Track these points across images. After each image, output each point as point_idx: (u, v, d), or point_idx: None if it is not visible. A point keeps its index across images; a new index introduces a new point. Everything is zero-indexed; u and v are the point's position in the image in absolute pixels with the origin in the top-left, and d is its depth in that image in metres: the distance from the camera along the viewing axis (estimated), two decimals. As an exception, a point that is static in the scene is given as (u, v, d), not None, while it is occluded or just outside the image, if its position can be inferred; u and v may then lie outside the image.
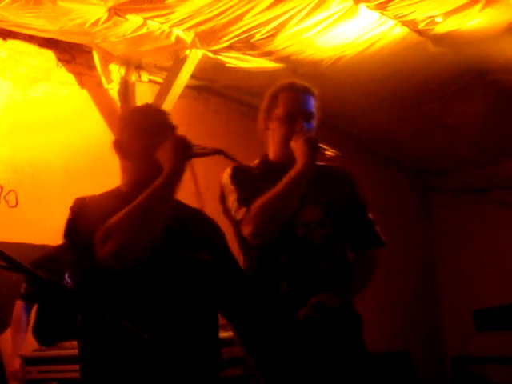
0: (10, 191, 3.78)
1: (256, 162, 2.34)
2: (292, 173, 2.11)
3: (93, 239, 1.68)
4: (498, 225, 6.40)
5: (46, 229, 3.86)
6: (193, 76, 4.36)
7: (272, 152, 2.31)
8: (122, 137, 1.93)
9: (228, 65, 4.30)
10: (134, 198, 1.75)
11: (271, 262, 2.17)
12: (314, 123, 2.26)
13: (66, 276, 3.27)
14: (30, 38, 3.97)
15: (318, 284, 2.19)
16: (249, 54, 4.27)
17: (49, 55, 4.10)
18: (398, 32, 4.13)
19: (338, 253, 2.26)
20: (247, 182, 2.19)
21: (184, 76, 4.25)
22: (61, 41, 4.06)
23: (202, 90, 4.91)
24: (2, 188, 3.75)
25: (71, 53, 4.21)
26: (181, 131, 5.53)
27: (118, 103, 4.47)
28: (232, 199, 2.16)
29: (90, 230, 1.71)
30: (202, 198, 4.62)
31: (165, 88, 4.33)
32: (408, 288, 6.34)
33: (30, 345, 3.40)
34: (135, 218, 1.68)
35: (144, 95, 4.51)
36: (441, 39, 4.27)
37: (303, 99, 2.26)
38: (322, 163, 2.29)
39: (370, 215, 2.40)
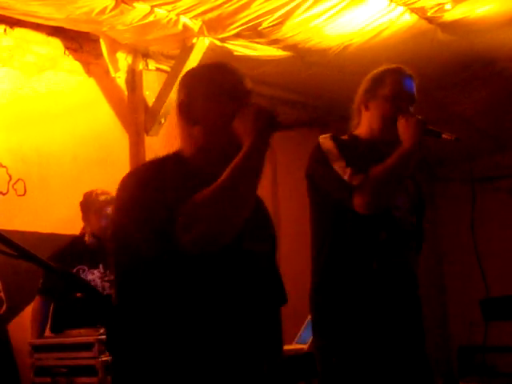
0: (18, 180, 3.80)
1: (345, 137, 2.37)
2: (402, 151, 2.18)
3: (168, 215, 1.45)
4: (506, 213, 6.38)
5: (53, 217, 3.88)
6: (200, 64, 4.34)
7: (367, 130, 2.35)
8: (190, 97, 1.64)
9: (235, 53, 4.29)
10: (201, 167, 1.58)
11: (369, 237, 2.24)
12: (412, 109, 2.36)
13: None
14: (37, 27, 3.96)
15: (406, 267, 2.32)
16: (256, 42, 4.25)
17: (56, 44, 4.09)
18: (407, 19, 4.10)
19: (417, 239, 2.40)
20: (353, 152, 2.25)
21: (191, 64, 4.23)
22: (68, 29, 4.06)
23: (209, 78, 4.89)
24: (10, 177, 3.77)
25: (78, 41, 4.20)
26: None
27: (125, 92, 4.46)
28: (341, 165, 2.20)
29: (163, 203, 1.47)
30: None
31: (172, 76, 4.32)
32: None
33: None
34: (225, 201, 1.46)
35: (151, 83, 4.51)
36: (450, 27, 4.24)
37: (409, 83, 2.38)
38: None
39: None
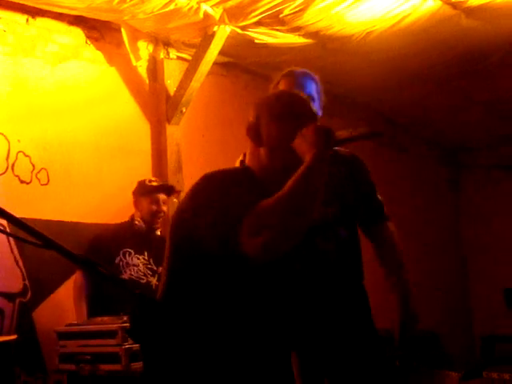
0: (41, 169, 3.83)
1: None
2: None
3: (235, 227, 1.58)
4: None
5: (76, 206, 3.91)
6: (221, 52, 4.33)
7: None
8: (259, 121, 1.81)
9: (257, 41, 4.26)
10: (266, 183, 1.72)
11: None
12: (317, 105, 2.34)
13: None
14: (58, 16, 3.98)
15: (321, 264, 2.23)
16: (277, 30, 4.22)
17: (77, 33, 4.11)
18: (431, 5, 4.03)
19: (342, 232, 2.30)
20: None
21: (212, 53, 4.23)
22: (89, 18, 4.07)
23: (230, 66, 4.88)
24: (33, 166, 3.80)
25: (100, 30, 4.21)
26: (210, 108, 5.51)
27: (147, 80, 4.47)
28: None
29: (233, 209, 1.61)
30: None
31: (193, 65, 4.32)
32: (437, 267, 6.29)
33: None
34: (289, 207, 1.59)
35: (172, 72, 4.51)
36: (474, 12, 4.16)
37: (302, 82, 2.37)
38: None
39: (379, 196, 2.46)
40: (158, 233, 3.63)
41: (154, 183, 3.65)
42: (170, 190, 3.75)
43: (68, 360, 3.03)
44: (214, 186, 1.71)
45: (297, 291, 2.10)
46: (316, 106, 2.29)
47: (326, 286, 2.24)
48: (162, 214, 3.60)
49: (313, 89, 2.37)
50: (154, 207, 3.56)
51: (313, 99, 2.33)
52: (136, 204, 3.63)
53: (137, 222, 3.57)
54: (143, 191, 3.61)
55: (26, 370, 3.49)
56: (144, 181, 3.66)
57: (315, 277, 2.21)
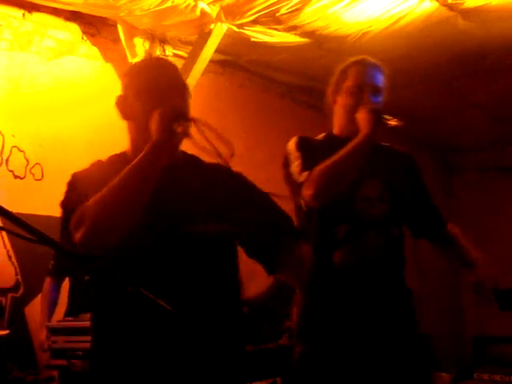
0: (35, 164, 3.82)
1: (321, 136, 2.38)
2: (354, 141, 2.15)
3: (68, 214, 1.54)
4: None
5: (70, 202, 3.91)
6: (217, 50, 4.33)
7: (337, 126, 2.35)
8: (124, 92, 1.68)
9: (253, 39, 4.26)
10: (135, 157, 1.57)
11: (329, 231, 2.21)
12: (381, 98, 2.31)
13: None
14: (55, 11, 3.97)
15: (371, 259, 2.23)
16: (274, 29, 4.22)
17: (74, 29, 4.10)
18: (427, 6, 4.04)
19: (393, 231, 2.30)
20: (311, 150, 2.24)
21: (209, 50, 4.22)
22: (86, 14, 4.06)
23: (226, 64, 4.88)
24: (28, 161, 3.79)
25: (96, 26, 4.20)
26: (205, 106, 5.51)
27: (143, 77, 4.46)
28: (296, 164, 2.20)
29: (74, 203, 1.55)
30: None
31: (189, 62, 4.32)
32: (430, 268, 6.31)
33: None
34: (108, 201, 1.48)
35: (168, 69, 4.50)
36: (471, 14, 4.17)
37: (372, 73, 2.32)
38: (387, 144, 2.37)
39: (434, 202, 2.49)
40: None
41: None
42: None
43: (59, 355, 3.02)
44: (69, 182, 1.72)
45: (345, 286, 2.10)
46: (380, 99, 2.29)
47: (375, 283, 2.22)
48: None
49: (381, 81, 2.33)
50: None
51: (380, 92, 2.30)
52: None
53: None
54: None
55: (18, 365, 3.48)
56: None
57: (365, 271, 2.21)
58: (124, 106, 1.66)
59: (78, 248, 1.46)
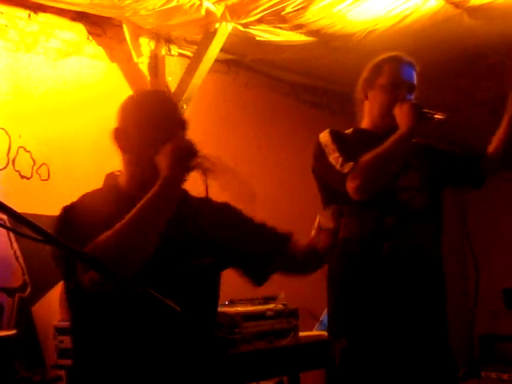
0: (42, 164, 3.83)
1: (349, 131, 2.39)
2: (397, 134, 2.17)
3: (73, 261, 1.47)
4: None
5: (77, 202, 3.91)
6: (223, 50, 4.33)
7: (368, 121, 2.36)
8: (123, 125, 1.69)
9: (258, 38, 4.26)
10: (134, 199, 1.54)
11: (375, 224, 2.23)
12: (414, 97, 2.33)
13: None
14: (60, 12, 3.98)
15: (418, 247, 2.26)
16: (279, 28, 4.22)
17: (79, 29, 4.11)
18: (433, 4, 4.02)
19: (433, 221, 2.34)
20: (346, 143, 2.27)
21: (214, 50, 4.22)
22: (91, 14, 4.07)
23: (232, 63, 4.88)
24: (34, 161, 3.80)
25: (102, 26, 4.21)
26: (210, 105, 5.50)
27: (148, 77, 4.47)
28: (334, 156, 2.22)
29: (83, 238, 1.47)
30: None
31: (195, 62, 4.32)
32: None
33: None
34: (126, 237, 1.44)
35: (174, 69, 4.51)
36: (477, 11, 4.16)
37: (408, 71, 2.34)
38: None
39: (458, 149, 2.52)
40: None
41: None
42: None
43: (67, 355, 3.03)
44: (60, 217, 1.62)
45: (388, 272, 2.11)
46: (413, 97, 2.31)
47: (419, 276, 2.26)
48: None
49: (415, 79, 2.36)
50: None
51: (414, 89, 2.33)
52: None
53: None
54: None
55: (25, 364, 3.49)
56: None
57: (408, 265, 2.23)
58: (122, 138, 1.66)
59: (88, 289, 1.45)
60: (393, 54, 2.39)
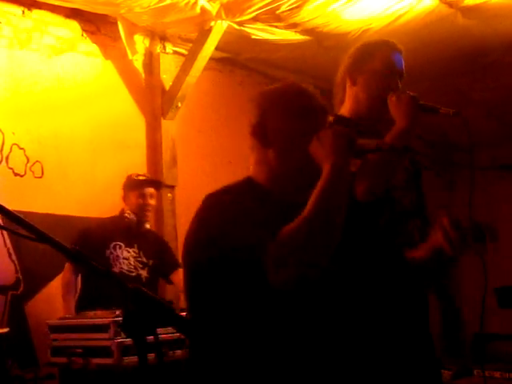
0: (35, 162, 3.82)
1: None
2: (398, 130, 2.05)
3: (259, 255, 1.37)
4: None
5: (70, 200, 3.91)
6: (218, 48, 4.32)
7: (352, 107, 2.22)
8: (264, 119, 1.58)
9: (253, 37, 4.26)
10: (277, 194, 1.51)
11: (373, 221, 2.14)
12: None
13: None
14: (55, 9, 3.97)
15: (409, 247, 2.20)
16: (274, 26, 4.22)
17: (74, 26, 4.10)
18: (427, 4, 4.04)
19: (418, 220, 2.27)
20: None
21: (209, 48, 4.22)
22: (85, 11, 4.05)
23: (226, 62, 4.87)
24: (28, 159, 3.79)
25: (96, 23, 4.20)
26: (205, 103, 5.50)
27: (143, 75, 4.46)
28: None
29: (243, 241, 1.40)
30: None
31: (189, 60, 4.31)
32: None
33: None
34: (313, 236, 1.38)
35: (168, 67, 4.50)
36: (471, 11, 4.17)
37: (399, 58, 2.25)
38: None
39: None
40: (148, 226, 3.68)
41: (141, 177, 3.70)
42: (157, 185, 3.81)
43: (60, 353, 3.03)
44: (223, 208, 1.49)
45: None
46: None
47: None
48: (150, 208, 3.66)
49: (403, 65, 2.25)
50: (141, 201, 3.61)
51: (403, 78, 2.23)
52: (125, 198, 3.67)
53: (127, 215, 3.60)
54: (131, 185, 3.65)
55: (18, 362, 3.48)
56: (132, 175, 3.70)
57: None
58: (264, 133, 1.57)
59: (284, 287, 1.39)
60: (386, 39, 2.28)
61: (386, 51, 2.23)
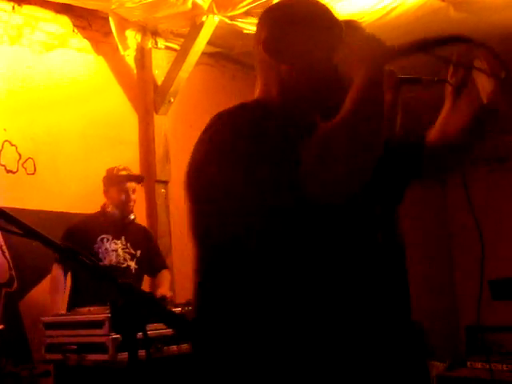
0: (28, 159, 3.81)
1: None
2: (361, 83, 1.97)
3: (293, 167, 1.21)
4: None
5: (63, 196, 3.90)
6: (210, 42, 4.32)
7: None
8: (277, 32, 1.42)
9: (245, 31, 4.25)
10: (291, 115, 1.35)
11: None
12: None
13: None
14: (45, 4, 3.95)
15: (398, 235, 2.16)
16: (266, 20, 4.21)
17: (64, 21, 4.08)
18: (419, -3, 4.04)
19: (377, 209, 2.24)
20: None
21: (201, 42, 4.21)
22: (76, 6, 4.04)
23: (218, 56, 4.87)
24: (20, 155, 3.78)
25: (87, 19, 4.18)
26: (198, 98, 5.49)
27: (135, 70, 4.45)
28: None
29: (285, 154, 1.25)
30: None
31: (181, 55, 4.30)
32: (423, 258, 6.33)
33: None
34: (352, 139, 1.23)
35: (160, 62, 4.49)
36: (462, 5, 4.17)
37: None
38: None
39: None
40: (132, 217, 3.65)
41: (123, 172, 3.63)
42: (138, 179, 3.75)
43: (54, 350, 3.02)
44: (242, 126, 1.36)
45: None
46: None
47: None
48: (132, 203, 3.62)
49: None
50: (123, 196, 3.57)
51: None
52: (106, 193, 3.63)
53: (109, 210, 3.58)
54: (112, 181, 3.60)
55: (12, 360, 3.48)
56: (112, 170, 3.63)
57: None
58: (279, 47, 1.40)
59: (316, 197, 1.23)
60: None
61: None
